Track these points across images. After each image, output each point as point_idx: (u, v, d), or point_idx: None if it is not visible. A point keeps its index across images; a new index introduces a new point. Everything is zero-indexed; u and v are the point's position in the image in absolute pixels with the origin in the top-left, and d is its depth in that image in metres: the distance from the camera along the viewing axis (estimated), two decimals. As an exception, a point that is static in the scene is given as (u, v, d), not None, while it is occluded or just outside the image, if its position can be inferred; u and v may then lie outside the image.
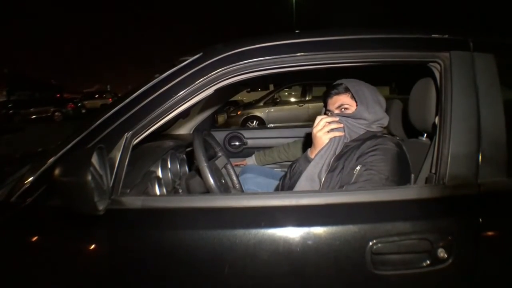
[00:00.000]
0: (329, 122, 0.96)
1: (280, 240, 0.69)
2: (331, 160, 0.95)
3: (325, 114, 1.06)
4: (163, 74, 0.81)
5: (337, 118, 0.97)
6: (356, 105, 0.98)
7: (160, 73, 0.81)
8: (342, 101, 1.01)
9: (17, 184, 0.79)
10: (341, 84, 1.01)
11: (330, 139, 0.95)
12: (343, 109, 1.00)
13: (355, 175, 0.87)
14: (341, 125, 0.96)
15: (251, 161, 1.87)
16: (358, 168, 0.87)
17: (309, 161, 0.97)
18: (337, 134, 0.96)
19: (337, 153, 0.95)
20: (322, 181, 0.93)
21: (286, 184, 1.05)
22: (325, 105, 1.07)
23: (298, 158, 1.06)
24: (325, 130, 0.95)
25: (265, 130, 2.31)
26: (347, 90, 1.00)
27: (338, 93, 1.02)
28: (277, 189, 1.33)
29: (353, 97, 0.99)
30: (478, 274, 0.70)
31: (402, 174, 0.86)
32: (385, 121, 1.00)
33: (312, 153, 0.98)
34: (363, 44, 0.80)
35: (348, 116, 0.97)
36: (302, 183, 0.94)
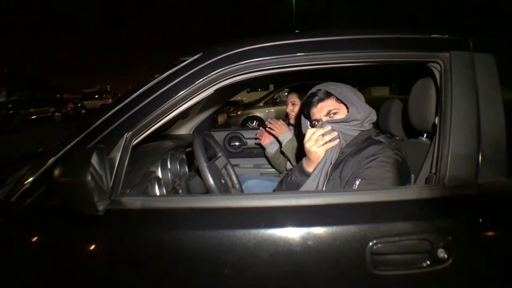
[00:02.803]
0: (322, 135, 0.90)
1: (280, 240, 0.69)
2: (329, 170, 0.90)
3: (311, 125, 0.99)
4: (163, 74, 0.81)
5: (329, 128, 0.91)
6: (346, 108, 0.93)
7: (160, 73, 0.81)
8: (329, 106, 0.95)
9: (17, 184, 0.79)
10: (319, 90, 0.95)
11: (326, 151, 0.90)
12: (332, 115, 0.94)
13: None
14: (335, 134, 0.91)
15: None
16: (357, 182, 0.83)
17: (307, 174, 0.93)
18: (332, 144, 0.90)
19: (333, 162, 0.91)
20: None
21: None
22: (309, 116, 0.99)
23: (292, 168, 1.01)
24: (319, 144, 0.90)
25: (265, 130, 2.30)
26: (329, 94, 0.94)
27: (321, 100, 0.95)
28: None
29: (337, 100, 0.94)
30: (478, 274, 0.70)
31: (403, 180, 0.85)
32: (374, 116, 0.95)
33: (308, 166, 0.94)
34: (363, 44, 0.80)
35: (341, 121, 0.92)
36: None
